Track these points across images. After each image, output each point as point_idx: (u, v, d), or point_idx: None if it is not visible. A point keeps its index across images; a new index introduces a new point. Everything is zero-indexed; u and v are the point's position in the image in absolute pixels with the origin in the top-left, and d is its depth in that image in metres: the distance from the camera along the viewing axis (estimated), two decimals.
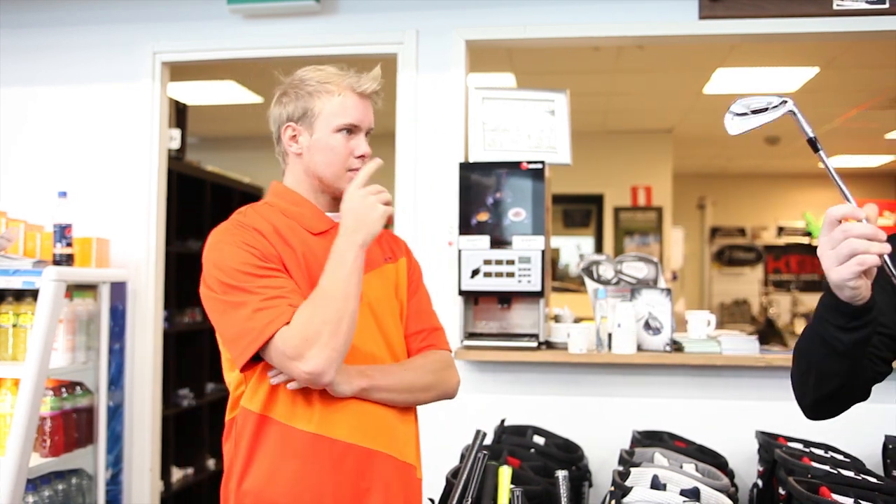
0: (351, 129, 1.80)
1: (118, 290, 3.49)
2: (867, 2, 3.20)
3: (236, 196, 5.51)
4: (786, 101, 1.31)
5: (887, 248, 1.22)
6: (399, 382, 1.78)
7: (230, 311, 1.65)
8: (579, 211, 8.74)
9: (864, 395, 1.48)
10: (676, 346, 3.27)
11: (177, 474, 4.65)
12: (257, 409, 1.71)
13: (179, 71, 3.98)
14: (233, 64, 4.29)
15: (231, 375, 1.78)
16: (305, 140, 1.81)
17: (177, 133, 4.52)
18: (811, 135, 1.27)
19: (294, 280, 1.70)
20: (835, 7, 3.22)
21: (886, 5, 3.19)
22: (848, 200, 1.25)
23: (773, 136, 7.96)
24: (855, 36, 3.34)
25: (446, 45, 3.47)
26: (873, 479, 2.61)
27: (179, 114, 4.72)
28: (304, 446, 1.69)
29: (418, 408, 1.92)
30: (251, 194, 5.70)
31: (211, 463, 5.08)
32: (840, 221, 1.25)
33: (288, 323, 1.60)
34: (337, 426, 1.70)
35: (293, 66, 1.89)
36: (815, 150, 1.27)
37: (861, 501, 2.32)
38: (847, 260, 1.23)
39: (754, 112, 1.32)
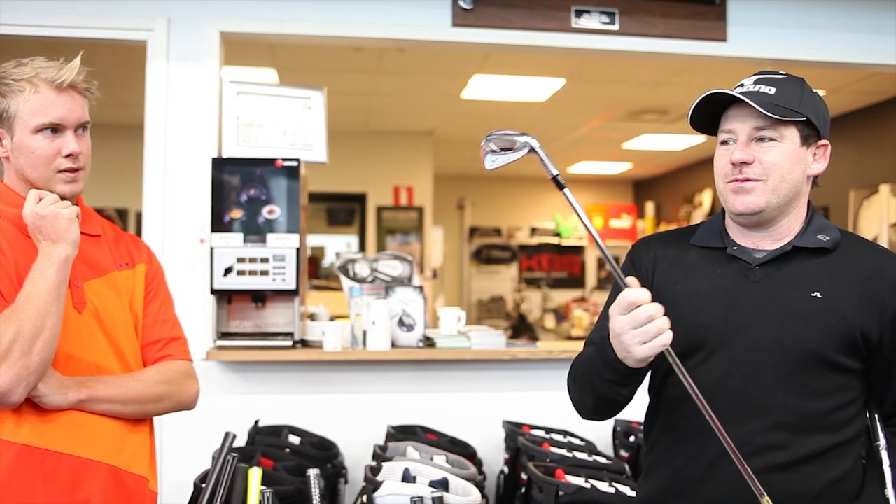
0: (54, 128, 1.67)
1: None
2: (600, 22, 3.49)
3: None
4: (527, 144, 1.43)
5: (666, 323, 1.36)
6: (125, 394, 1.70)
7: None
8: (343, 210, 8.77)
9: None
10: (429, 342, 3.38)
11: None
12: None
13: None
14: None
15: None
16: (9, 143, 1.69)
17: None
18: (554, 172, 1.39)
19: None
20: (572, 25, 3.49)
21: (616, 27, 3.50)
22: (621, 280, 1.38)
23: None
24: (591, 52, 3.63)
25: (200, 35, 3.34)
26: (603, 460, 2.85)
27: None
28: (10, 459, 1.57)
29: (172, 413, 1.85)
30: None
31: None
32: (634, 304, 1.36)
33: None
34: (49, 436, 1.61)
35: (27, 47, 1.74)
36: (560, 187, 1.39)
37: (591, 480, 2.53)
38: (653, 339, 1.35)
39: (503, 150, 1.45)
